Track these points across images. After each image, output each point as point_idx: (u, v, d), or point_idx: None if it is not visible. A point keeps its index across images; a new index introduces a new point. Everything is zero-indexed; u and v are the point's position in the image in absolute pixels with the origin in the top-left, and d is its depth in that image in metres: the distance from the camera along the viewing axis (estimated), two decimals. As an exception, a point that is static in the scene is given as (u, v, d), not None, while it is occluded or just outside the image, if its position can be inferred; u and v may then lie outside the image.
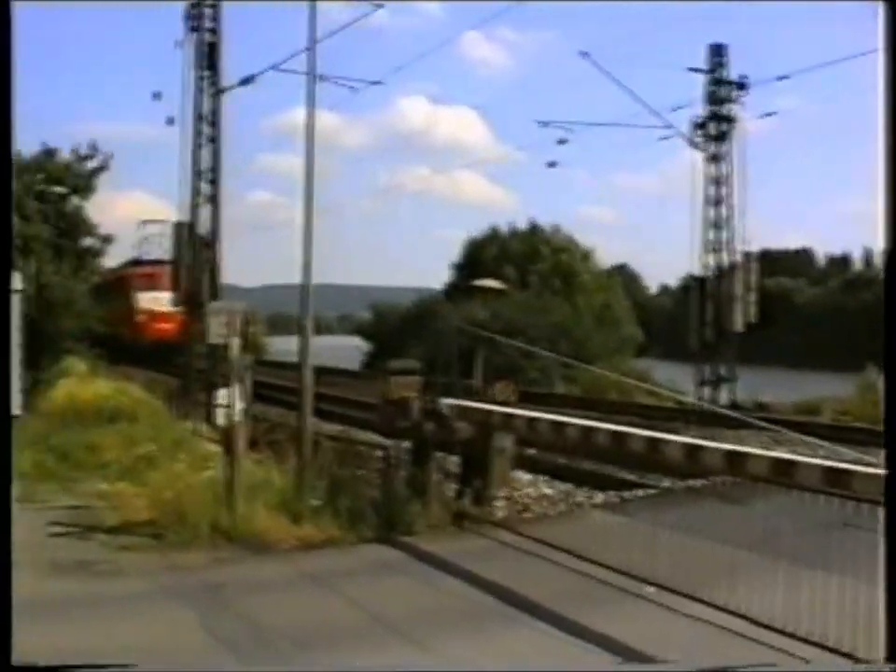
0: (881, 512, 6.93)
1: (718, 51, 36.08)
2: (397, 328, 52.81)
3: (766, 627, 8.96)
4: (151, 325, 48.08)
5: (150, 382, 30.38)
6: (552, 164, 38.10)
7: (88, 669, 4.77)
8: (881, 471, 7.41)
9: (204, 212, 29.95)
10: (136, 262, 54.72)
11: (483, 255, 58.89)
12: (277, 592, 11.13)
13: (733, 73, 35.83)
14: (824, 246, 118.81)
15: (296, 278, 15.91)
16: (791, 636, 8.68)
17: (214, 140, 30.15)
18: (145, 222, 56.51)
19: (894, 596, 6.46)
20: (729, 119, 35.67)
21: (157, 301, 44.24)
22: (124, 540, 13.04)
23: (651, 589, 10.46)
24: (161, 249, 44.96)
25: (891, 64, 6.56)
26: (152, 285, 47.09)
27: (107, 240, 29.61)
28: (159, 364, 39.99)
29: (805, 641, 8.49)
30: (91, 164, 28.46)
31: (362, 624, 9.79)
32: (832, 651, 8.21)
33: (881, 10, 6.79)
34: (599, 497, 16.22)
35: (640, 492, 16.22)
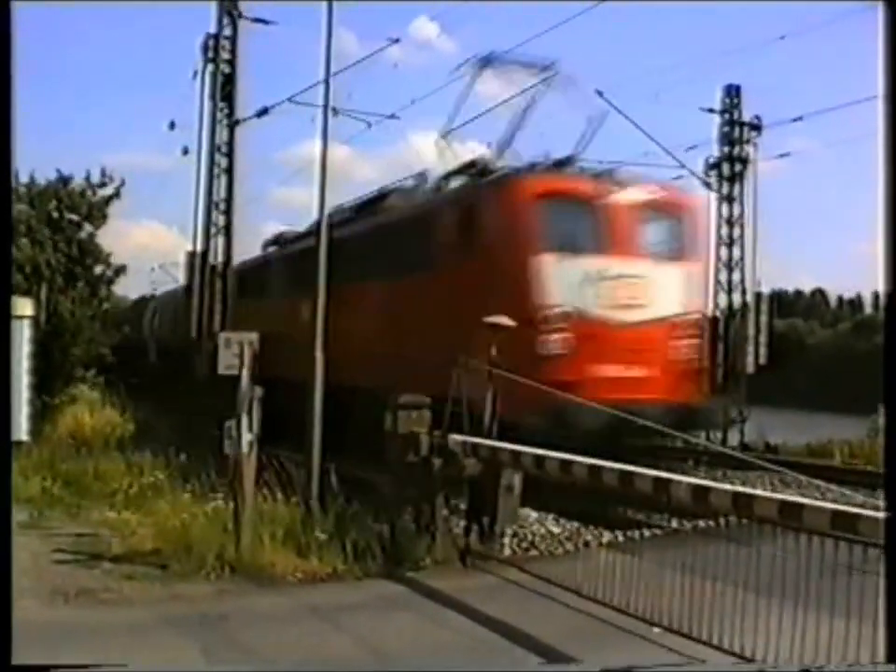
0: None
1: (732, 92, 36.12)
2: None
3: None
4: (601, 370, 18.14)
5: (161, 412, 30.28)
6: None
7: (87, 669, 4.79)
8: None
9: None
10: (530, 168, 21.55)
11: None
12: (280, 625, 11.07)
13: (747, 114, 35.87)
14: (837, 289, 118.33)
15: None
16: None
17: (229, 171, 30.28)
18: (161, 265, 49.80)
19: (894, 597, 6.44)
20: (743, 160, 35.64)
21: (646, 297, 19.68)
22: (129, 569, 12.98)
23: (657, 630, 10.41)
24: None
25: (891, 64, 6.59)
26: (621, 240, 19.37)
27: (119, 270, 29.66)
28: (168, 398, 32.36)
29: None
30: (103, 192, 28.55)
31: (363, 659, 9.75)
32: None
33: (881, 10, 6.86)
34: (606, 536, 16.15)
35: (647, 532, 16.19)
